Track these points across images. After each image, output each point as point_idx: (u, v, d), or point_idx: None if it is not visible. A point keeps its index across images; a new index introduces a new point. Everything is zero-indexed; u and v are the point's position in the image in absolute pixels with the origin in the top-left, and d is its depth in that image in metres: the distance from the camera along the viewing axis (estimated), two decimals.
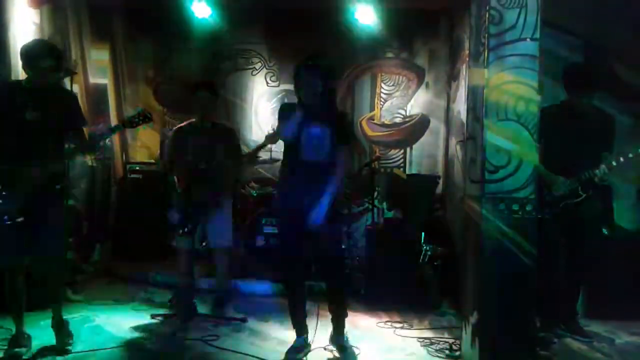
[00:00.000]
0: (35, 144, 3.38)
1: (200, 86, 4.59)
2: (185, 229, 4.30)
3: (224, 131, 4.65)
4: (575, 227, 3.99)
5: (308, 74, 3.50)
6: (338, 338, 3.65)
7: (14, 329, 3.60)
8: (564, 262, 4.04)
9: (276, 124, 4.28)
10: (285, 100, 7.00)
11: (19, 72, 4.78)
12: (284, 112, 3.63)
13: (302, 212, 3.45)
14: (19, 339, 3.55)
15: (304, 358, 3.59)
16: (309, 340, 3.71)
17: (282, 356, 3.57)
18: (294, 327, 3.68)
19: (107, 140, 3.54)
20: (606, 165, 3.80)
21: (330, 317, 3.69)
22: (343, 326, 3.67)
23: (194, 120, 4.61)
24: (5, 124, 3.39)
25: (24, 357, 3.46)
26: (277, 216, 3.95)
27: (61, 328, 3.63)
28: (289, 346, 3.63)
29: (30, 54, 3.42)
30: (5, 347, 3.50)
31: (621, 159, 3.77)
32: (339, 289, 3.72)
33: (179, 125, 4.74)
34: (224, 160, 4.46)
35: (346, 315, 3.70)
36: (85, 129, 3.73)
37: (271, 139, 4.83)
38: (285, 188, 3.68)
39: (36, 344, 3.62)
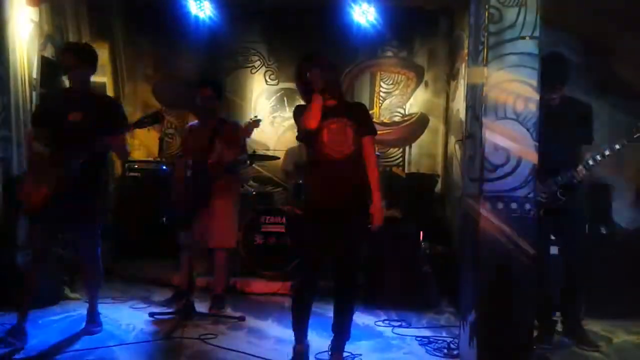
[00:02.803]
0: (75, 142, 3.56)
1: (205, 83, 4.65)
2: (181, 223, 4.41)
3: (228, 127, 4.66)
4: (562, 231, 3.94)
5: (319, 68, 3.35)
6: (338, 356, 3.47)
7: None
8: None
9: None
10: (285, 99, 7.01)
11: (17, 69, 4.80)
12: (301, 109, 3.45)
13: (330, 212, 3.34)
14: (16, 332, 3.55)
15: None
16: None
17: (280, 355, 3.56)
18: (296, 332, 3.46)
19: None
20: (583, 166, 3.68)
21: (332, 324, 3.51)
22: (344, 344, 3.49)
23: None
24: (53, 125, 3.67)
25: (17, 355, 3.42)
26: (304, 216, 3.64)
27: (91, 316, 3.91)
28: (287, 346, 3.56)
29: (60, 51, 3.93)
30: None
31: (598, 157, 3.65)
32: (351, 298, 3.48)
33: (191, 123, 4.93)
34: (223, 156, 4.49)
35: (348, 337, 3.49)
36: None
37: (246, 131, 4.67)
38: (311, 187, 3.53)
39: (36, 342, 3.61)
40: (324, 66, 3.37)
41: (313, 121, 3.31)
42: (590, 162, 3.67)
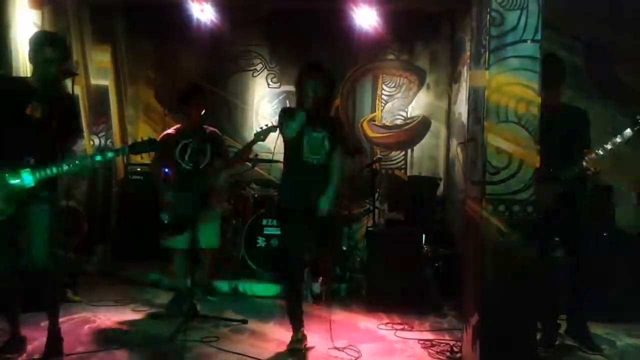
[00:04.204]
0: (33, 141, 3.24)
1: (190, 92, 4.63)
2: (175, 230, 4.44)
3: (211, 135, 4.70)
4: (567, 233, 3.92)
5: (315, 80, 3.71)
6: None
7: None
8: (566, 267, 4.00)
9: (270, 123, 4.60)
10: (287, 102, 7.01)
11: (19, 73, 4.81)
12: (286, 114, 3.81)
13: (304, 211, 3.69)
14: (13, 344, 3.45)
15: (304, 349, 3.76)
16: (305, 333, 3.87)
17: (283, 357, 3.58)
18: (293, 322, 3.83)
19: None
20: (586, 162, 3.69)
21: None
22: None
23: (180, 125, 4.72)
24: (5, 117, 3.24)
25: None
26: (279, 215, 4.20)
27: (52, 335, 3.48)
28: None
29: (36, 42, 3.33)
30: None
31: (600, 152, 3.65)
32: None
33: (167, 132, 4.79)
34: (213, 163, 4.58)
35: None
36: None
37: (259, 136, 4.77)
38: (287, 188, 3.90)
39: (38, 344, 3.59)
40: (320, 79, 3.73)
41: (290, 131, 3.69)
42: (601, 152, 3.67)
